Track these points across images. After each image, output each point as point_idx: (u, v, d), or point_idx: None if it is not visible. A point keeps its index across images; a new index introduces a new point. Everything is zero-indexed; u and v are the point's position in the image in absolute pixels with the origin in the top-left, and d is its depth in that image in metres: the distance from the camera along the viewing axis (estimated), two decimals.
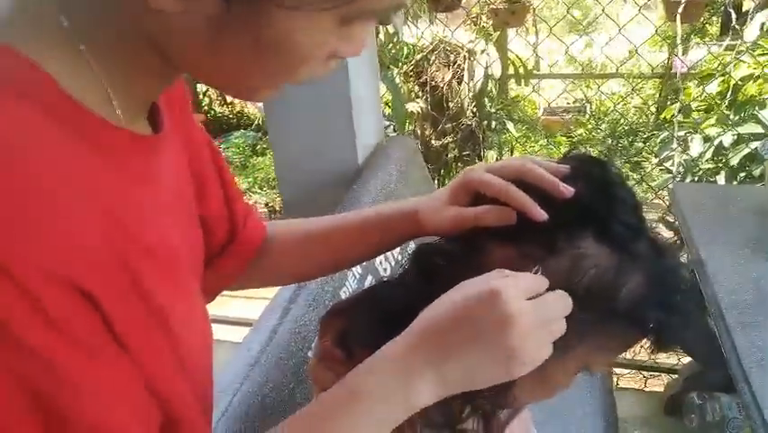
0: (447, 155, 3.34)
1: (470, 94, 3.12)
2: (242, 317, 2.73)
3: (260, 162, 4.47)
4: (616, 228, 0.56)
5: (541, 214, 0.56)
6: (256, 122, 4.72)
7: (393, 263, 1.45)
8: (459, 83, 3.09)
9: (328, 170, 1.64)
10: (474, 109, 3.20)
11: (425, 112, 3.27)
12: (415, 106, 3.21)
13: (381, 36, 3.09)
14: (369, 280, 1.32)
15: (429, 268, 0.61)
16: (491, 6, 2.84)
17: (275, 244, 0.74)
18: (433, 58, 3.14)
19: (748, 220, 1.59)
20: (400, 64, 3.23)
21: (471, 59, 3.08)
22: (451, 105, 3.16)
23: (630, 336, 0.59)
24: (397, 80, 3.10)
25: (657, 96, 4.06)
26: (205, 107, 5.29)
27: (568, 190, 0.57)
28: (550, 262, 0.55)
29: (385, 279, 0.68)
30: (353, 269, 1.26)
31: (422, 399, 0.47)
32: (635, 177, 3.84)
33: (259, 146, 4.67)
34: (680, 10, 2.21)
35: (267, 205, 4.03)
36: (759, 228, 1.57)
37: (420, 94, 3.24)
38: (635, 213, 0.58)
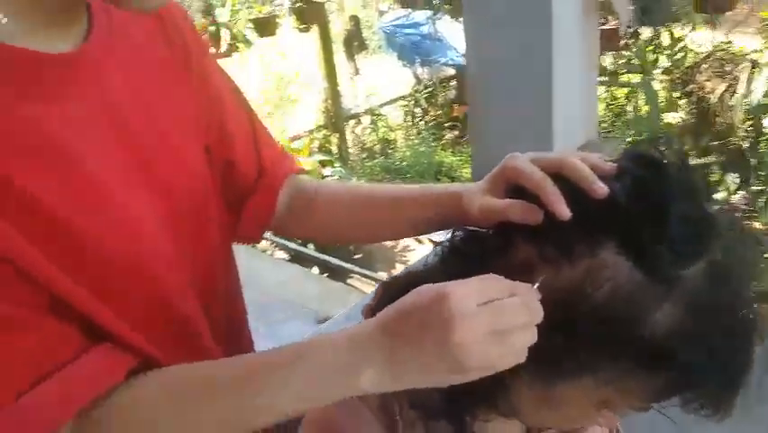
0: (707, 177, 2.93)
1: (745, 110, 2.69)
2: None
3: None
4: (645, 241, 0.47)
5: (565, 212, 0.49)
6: None
7: None
8: (731, 96, 2.69)
9: None
10: (749, 128, 2.75)
11: (687, 125, 2.92)
12: (675, 117, 2.89)
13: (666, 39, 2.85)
14: None
15: (463, 256, 0.59)
16: None
17: (321, 197, 0.75)
18: (706, 66, 2.78)
19: None
20: (672, 70, 2.94)
21: (754, 70, 2.65)
22: (718, 120, 2.76)
23: (655, 378, 0.49)
24: (658, 87, 2.83)
25: None
26: None
27: (602, 190, 0.49)
28: (564, 267, 0.49)
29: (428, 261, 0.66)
30: None
31: (365, 384, 0.47)
32: None
33: None
34: None
35: None
36: None
37: (683, 105, 2.91)
38: (693, 229, 0.48)
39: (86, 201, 0.52)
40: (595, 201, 0.49)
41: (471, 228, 0.60)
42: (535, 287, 0.48)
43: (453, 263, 0.58)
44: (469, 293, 0.45)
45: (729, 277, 0.49)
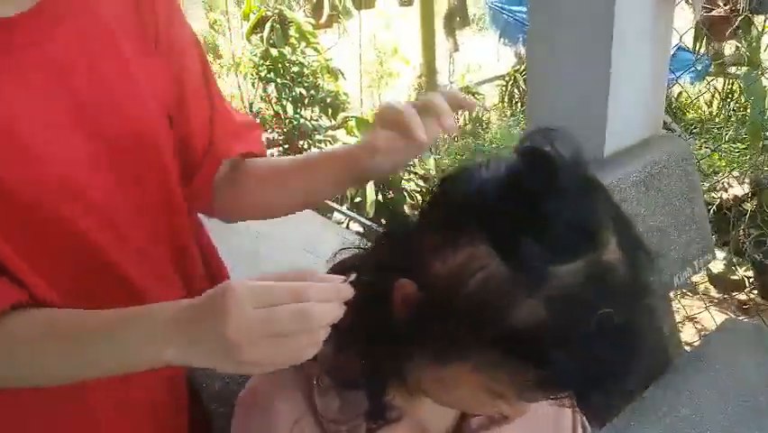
0: None
1: None
2: None
3: None
4: (513, 235, 0.47)
5: (421, 136, 0.57)
6: None
7: None
8: None
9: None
10: None
11: None
12: None
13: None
14: None
15: (387, 243, 0.62)
16: None
17: (242, 174, 0.76)
18: None
19: None
20: None
21: None
22: None
23: (523, 371, 0.48)
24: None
25: None
26: None
27: (449, 122, 0.58)
28: (449, 255, 0.50)
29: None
30: None
31: (168, 356, 0.49)
32: None
33: None
34: None
35: None
36: None
37: None
38: (571, 228, 0.46)
39: None
40: (481, 193, 0.50)
41: (402, 217, 0.63)
42: (347, 282, 0.49)
43: (380, 250, 0.62)
44: (247, 295, 0.46)
45: (606, 280, 0.47)
